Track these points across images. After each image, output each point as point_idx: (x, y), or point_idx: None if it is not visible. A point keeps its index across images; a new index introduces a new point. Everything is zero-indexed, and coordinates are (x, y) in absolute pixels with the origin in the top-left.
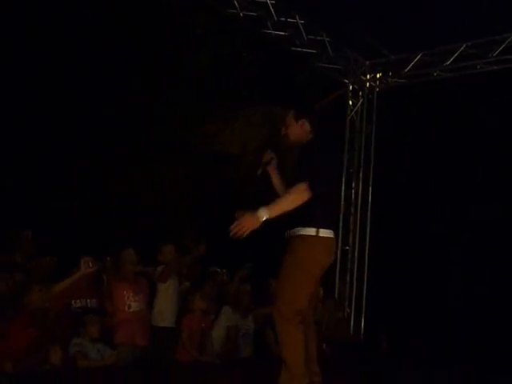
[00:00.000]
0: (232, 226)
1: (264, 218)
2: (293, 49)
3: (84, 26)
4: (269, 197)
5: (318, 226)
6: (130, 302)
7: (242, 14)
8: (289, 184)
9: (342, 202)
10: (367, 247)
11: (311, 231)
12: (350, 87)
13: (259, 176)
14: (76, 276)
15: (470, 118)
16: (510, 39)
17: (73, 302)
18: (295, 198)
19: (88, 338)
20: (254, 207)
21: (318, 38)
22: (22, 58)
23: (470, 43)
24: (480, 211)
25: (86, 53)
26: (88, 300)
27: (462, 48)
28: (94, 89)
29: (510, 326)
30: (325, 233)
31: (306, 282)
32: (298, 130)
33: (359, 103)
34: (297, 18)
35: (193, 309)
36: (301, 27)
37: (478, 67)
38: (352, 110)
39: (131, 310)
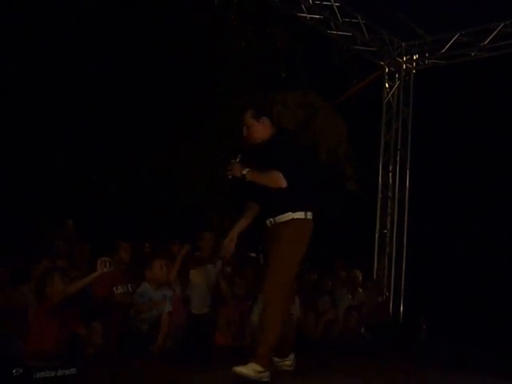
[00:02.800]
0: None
1: (243, 173)
2: (328, 32)
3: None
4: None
5: (306, 210)
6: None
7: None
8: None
9: (380, 186)
10: (405, 230)
11: (301, 215)
12: (387, 69)
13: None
14: (93, 276)
15: (509, 98)
16: None
17: (114, 288)
18: (273, 180)
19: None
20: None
21: (354, 20)
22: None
23: (508, 22)
24: None
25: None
26: (128, 285)
27: (500, 27)
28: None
29: None
30: (310, 215)
31: (298, 263)
32: (261, 128)
33: (396, 85)
34: (332, 0)
35: (231, 295)
36: (336, 10)
37: None
38: (388, 93)
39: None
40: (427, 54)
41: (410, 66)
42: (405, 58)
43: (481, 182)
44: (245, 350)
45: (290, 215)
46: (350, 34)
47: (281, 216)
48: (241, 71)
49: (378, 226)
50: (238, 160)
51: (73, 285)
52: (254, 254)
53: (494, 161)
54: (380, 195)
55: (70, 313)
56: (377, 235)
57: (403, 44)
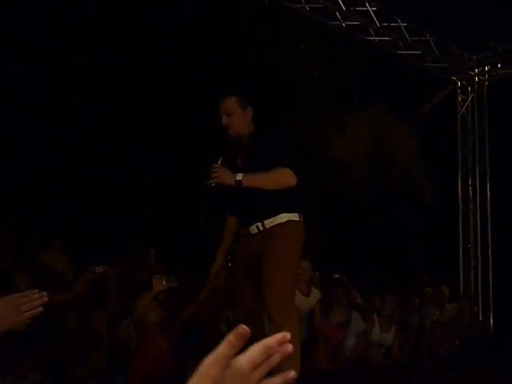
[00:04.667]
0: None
1: (238, 179)
2: (398, 52)
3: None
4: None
5: (299, 211)
6: None
7: (344, 25)
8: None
9: (460, 200)
10: (490, 243)
11: (296, 216)
12: (459, 83)
13: (212, 187)
14: (149, 295)
15: None
16: None
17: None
18: (281, 178)
19: None
20: (366, 210)
21: (422, 38)
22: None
23: None
24: None
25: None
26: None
27: None
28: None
29: None
30: (302, 217)
31: (296, 270)
32: (245, 119)
33: (469, 99)
34: (399, 21)
35: (332, 321)
36: (403, 30)
37: None
38: (462, 107)
39: None
40: (499, 65)
41: (482, 78)
42: (476, 71)
43: None
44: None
45: (285, 216)
46: (420, 51)
47: (274, 218)
48: (315, 97)
49: (461, 241)
50: (219, 163)
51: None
52: (338, 276)
53: None
54: (461, 209)
55: None
56: (461, 250)
57: (474, 57)
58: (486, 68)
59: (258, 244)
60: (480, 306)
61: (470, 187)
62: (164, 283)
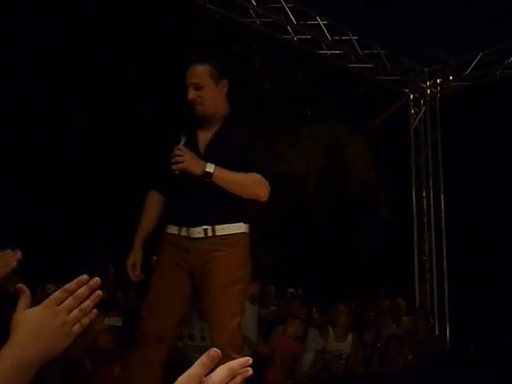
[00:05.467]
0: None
1: (208, 170)
2: (350, 65)
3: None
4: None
5: (249, 222)
6: None
7: (296, 39)
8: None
9: (415, 212)
10: (445, 255)
11: (246, 227)
12: (411, 96)
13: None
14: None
15: None
16: None
17: None
18: (256, 189)
19: None
20: (322, 224)
21: (374, 51)
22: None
23: None
24: None
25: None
26: None
27: None
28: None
29: None
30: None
31: (246, 291)
32: (219, 94)
33: (422, 111)
34: (350, 35)
35: (286, 334)
36: (355, 43)
37: None
38: (415, 119)
39: None
40: (451, 77)
41: (434, 90)
42: (428, 84)
43: None
44: None
45: (242, 226)
46: (371, 65)
47: (229, 225)
48: (267, 111)
49: (416, 253)
50: (182, 144)
51: None
52: (295, 291)
53: None
54: (416, 221)
55: None
56: (416, 262)
57: (425, 69)
58: (438, 80)
59: (200, 252)
60: (436, 319)
61: (425, 199)
62: (105, 322)
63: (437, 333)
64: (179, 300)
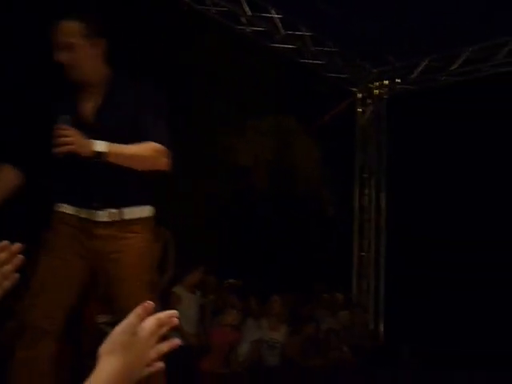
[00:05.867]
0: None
1: (99, 149)
2: (301, 61)
3: None
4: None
5: (152, 203)
6: None
7: (249, 30)
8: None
9: (356, 209)
10: (383, 253)
11: (152, 210)
12: (359, 95)
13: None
14: None
15: (481, 121)
16: None
17: None
18: (156, 159)
19: None
20: (267, 217)
21: (326, 48)
22: None
23: (475, 47)
24: (495, 214)
25: None
26: None
27: (468, 52)
28: None
29: None
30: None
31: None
32: (95, 55)
33: (368, 111)
34: (303, 30)
35: (223, 324)
36: (308, 39)
37: (484, 70)
38: (362, 118)
39: None
40: (398, 80)
41: (381, 91)
42: (376, 84)
43: (457, 203)
44: (231, 377)
45: (148, 209)
46: (323, 61)
47: (136, 208)
48: (216, 102)
49: (355, 249)
50: (66, 121)
51: None
52: (234, 281)
53: (470, 182)
54: (357, 219)
55: None
56: (355, 258)
57: (374, 70)
58: (385, 82)
59: (105, 239)
60: (371, 315)
61: (367, 197)
62: None
63: (372, 328)
64: (71, 291)
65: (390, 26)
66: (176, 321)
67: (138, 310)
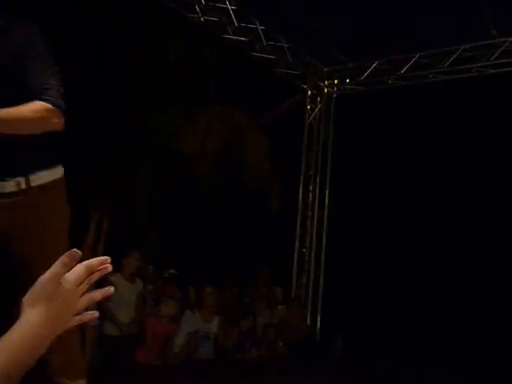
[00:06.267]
0: None
1: None
2: (253, 54)
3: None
4: None
5: (62, 162)
6: None
7: (203, 19)
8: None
9: (300, 205)
10: (324, 249)
11: (62, 170)
12: (309, 93)
13: None
14: None
15: (423, 124)
16: (459, 51)
17: None
18: (46, 121)
19: None
20: (213, 211)
21: (278, 44)
22: None
23: (423, 53)
24: (433, 214)
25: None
26: None
27: (415, 58)
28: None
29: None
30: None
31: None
32: None
33: (317, 109)
34: (257, 24)
35: (159, 314)
36: (261, 33)
37: (430, 76)
38: (310, 115)
39: None
40: (348, 80)
41: (331, 90)
42: (326, 83)
43: (400, 202)
44: (166, 369)
45: (57, 170)
46: (274, 57)
47: (43, 172)
48: (163, 88)
49: (297, 244)
50: None
51: None
52: (174, 271)
53: (412, 182)
54: (300, 214)
55: None
56: (296, 253)
57: (325, 69)
58: (336, 81)
59: (14, 209)
60: (309, 310)
61: (310, 194)
62: None
63: (308, 323)
64: None
65: (343, 26)
66: (109, 267)
67: (64, 258)
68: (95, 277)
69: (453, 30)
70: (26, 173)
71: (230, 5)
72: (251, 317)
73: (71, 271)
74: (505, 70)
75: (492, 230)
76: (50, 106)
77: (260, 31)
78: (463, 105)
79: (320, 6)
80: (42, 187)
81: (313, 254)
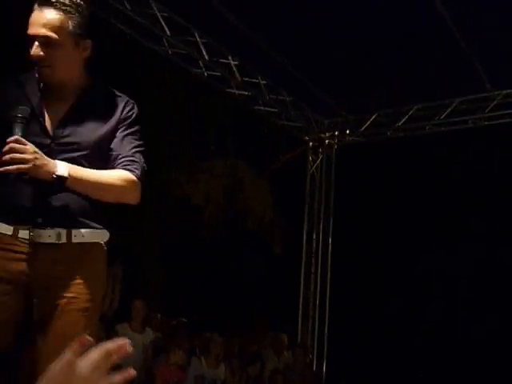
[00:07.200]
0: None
1: (59, 173)
2: (256, 107)
3: None
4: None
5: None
6: None
7: (206, 74)
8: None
9: (304, 252)
10: (328, 295)
11: (107, 235)
12: (310, 144)
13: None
14: None
15: (424, 177)
16: (455, 104)
17: None
18: (125, 192)
19: None
20: (218, 259)
21: (280, 97)
22: None
23: (420, 106)
24: (440, 275)
25: None
26: None
27: (413, 110)
28: None
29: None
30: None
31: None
32: (77, 59)
33: (319, 159)
34: (259, 78)
35: (168, 362)
36: (263, 87)
37: (427, 128)
38: (312, 166)
39: None
40: (348, 131)
41: (331, 141)
42: (327, 134)
43: (402, 249)
44: None
45: (104, 234)
46: (276, 110)
47: (88, 230)
48: (168, 142)
49: (302, 290)
50: (20, 132)
51: None
52: (182, 319)
53: (411, 231)
54: (304, 260)
55: None
56: (301, 299)
57: (326, 121)
58: (336, 133)
59: (47, 263)
60: (315, 355)
61: (314, 241)
62: None
63: (314, 369)
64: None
65: (342, 79)
66: (129, 348)
67: (74, 345)
68: (113, 360)
69: (449, 84)
70: (68, 226)
71: (233, 60)
72: (259, 363)
73: (87, 357)
74: (500, 121)
75: None
76: (135, 178)
77: (262, 85)
78: (460, 154)
79: (319, 63)
80: (84, 246)
81: (317, 300)
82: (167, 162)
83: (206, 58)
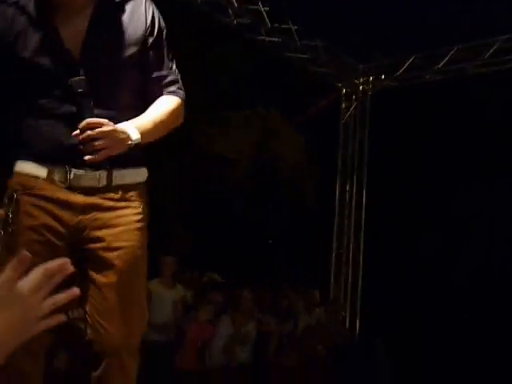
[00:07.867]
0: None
1: (135, 140)
2: (287, 54)
3: None
4: None
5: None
6: None
7: (235, 22)
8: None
9: (337, 206)
10: (361, 250)
11: (146, 174)
12: (344, 91)
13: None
14: None
15: (463, 119)
16: (499, 42)
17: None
18: (176, 119)
19: None
20: (251, 209)
21: (312, 43)
22: None
23: (460, 46)
24: (478, 213)
25: None
26: None
27: (453, 51)
28: None
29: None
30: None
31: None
32: None
33: (352, 107)
34: (290, 23)
35: (198, 319)
36: (294, 33)
37: (469, 70)
38: (345, 114)
39: None
40: (383, 76)
41: (366, 87)
42: (361, 80)
43: (437, 201)
44: (204, 374)
45: (144, 172)
46: (308, 56)
47: (129, 170)
48: (198, 93)
49: (334, 246)
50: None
51: None
52: (214, 275)
53: (449, 180)
54: (337, 215)
55: None
56: (334, 255)
57: (360, 66)
58: (371, 78)
59: (87, 210)
60: (348, 312)
61: (347, 194)
62: None
63: (347, 326)
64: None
65: (377, 22)
66: (71, 269)
67: (13, 262)
68: (55, 280)
69: (491, 22)
70: (110, 166)
71: (263, 6)
72: (292, 320)
73: (26, 278)
74: None
75: None
76: (181, 101)
77: (293, 31)
78: (500, 94)
79: (352, 4)
80: (125, 188)
81: (351, 256)
82: (196, 112)
83: (236, 4)
